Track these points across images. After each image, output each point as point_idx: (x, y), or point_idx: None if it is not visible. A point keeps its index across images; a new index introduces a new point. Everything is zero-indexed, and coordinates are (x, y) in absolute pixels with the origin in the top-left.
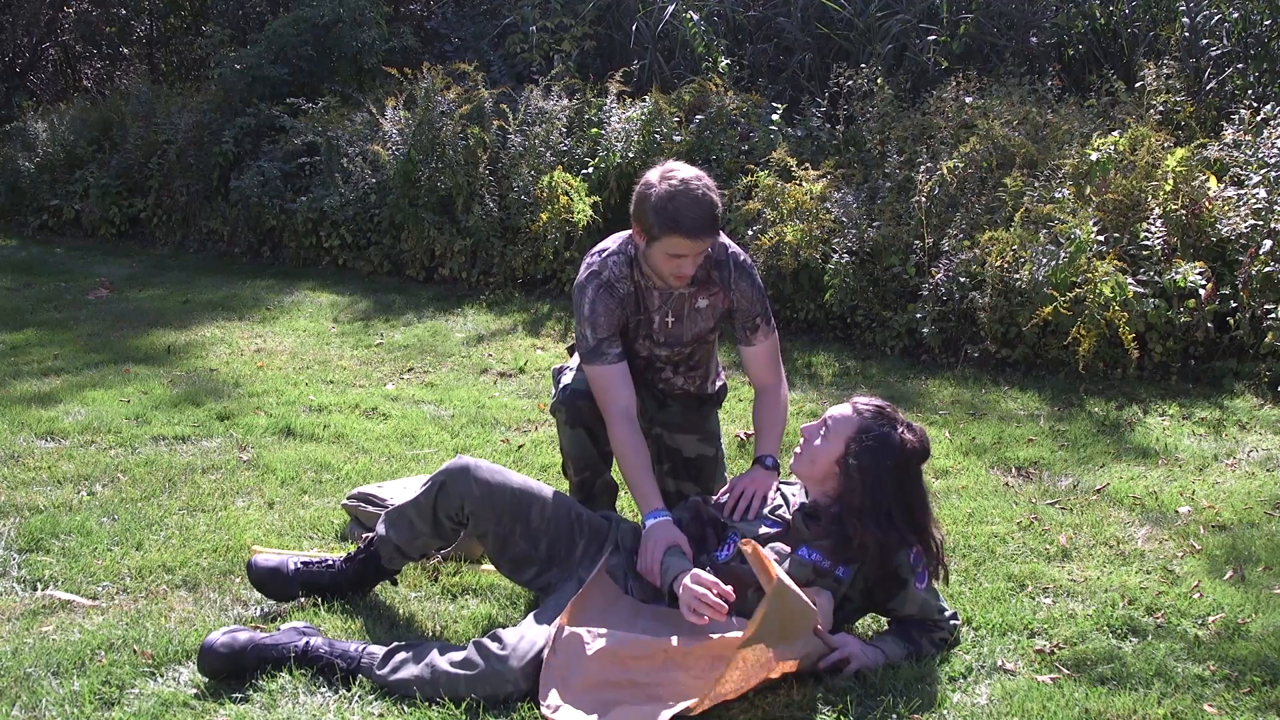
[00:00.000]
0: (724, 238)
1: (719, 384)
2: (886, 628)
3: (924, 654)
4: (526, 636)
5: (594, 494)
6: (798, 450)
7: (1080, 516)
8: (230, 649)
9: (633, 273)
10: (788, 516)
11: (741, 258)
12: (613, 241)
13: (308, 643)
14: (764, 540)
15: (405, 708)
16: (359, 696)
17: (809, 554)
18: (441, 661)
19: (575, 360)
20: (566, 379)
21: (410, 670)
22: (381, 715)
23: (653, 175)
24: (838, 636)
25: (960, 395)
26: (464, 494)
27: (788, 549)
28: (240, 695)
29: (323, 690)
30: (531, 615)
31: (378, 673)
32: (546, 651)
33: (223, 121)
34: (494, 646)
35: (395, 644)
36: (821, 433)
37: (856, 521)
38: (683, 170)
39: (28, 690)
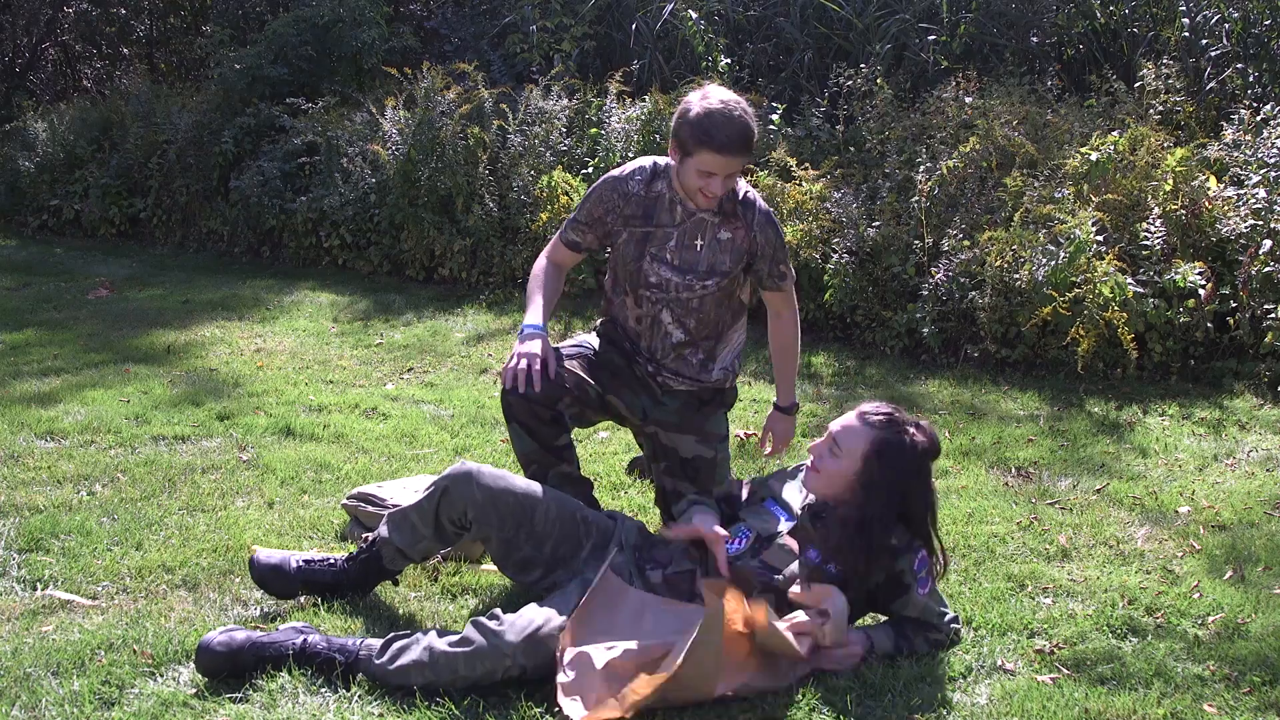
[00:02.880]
0: (753, 192)
1: (728, 382)
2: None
3: (916, 651)
4: (525, 614)
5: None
6: (809, 466)
7: (1080, 516)
8: (227, 648)
9: (652, 183)
10: (797, 510)
11: (767, 208)
12: (649, 158)
13: (305, 640)
14: (772, 537)
15: (405, 706)
16: (359, 696)
17: (816, 556)
18: (440, 643)
19: None
20: None
21: (409, 656)
22: (381, 715)
23: (693, 96)
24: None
25: (960, 395)
26: (467, 500)
27: (794, 546)
28: (240, 695)
29: (323, 690)
30: (532, 604)
31: (376, 663)
32: (558, 675)
33: (223, 121)
34: (491, 623)
35: (392, 634)
36: (832, 450)
37: (868, 524)
38: (722, 93)
39: (27, 690)
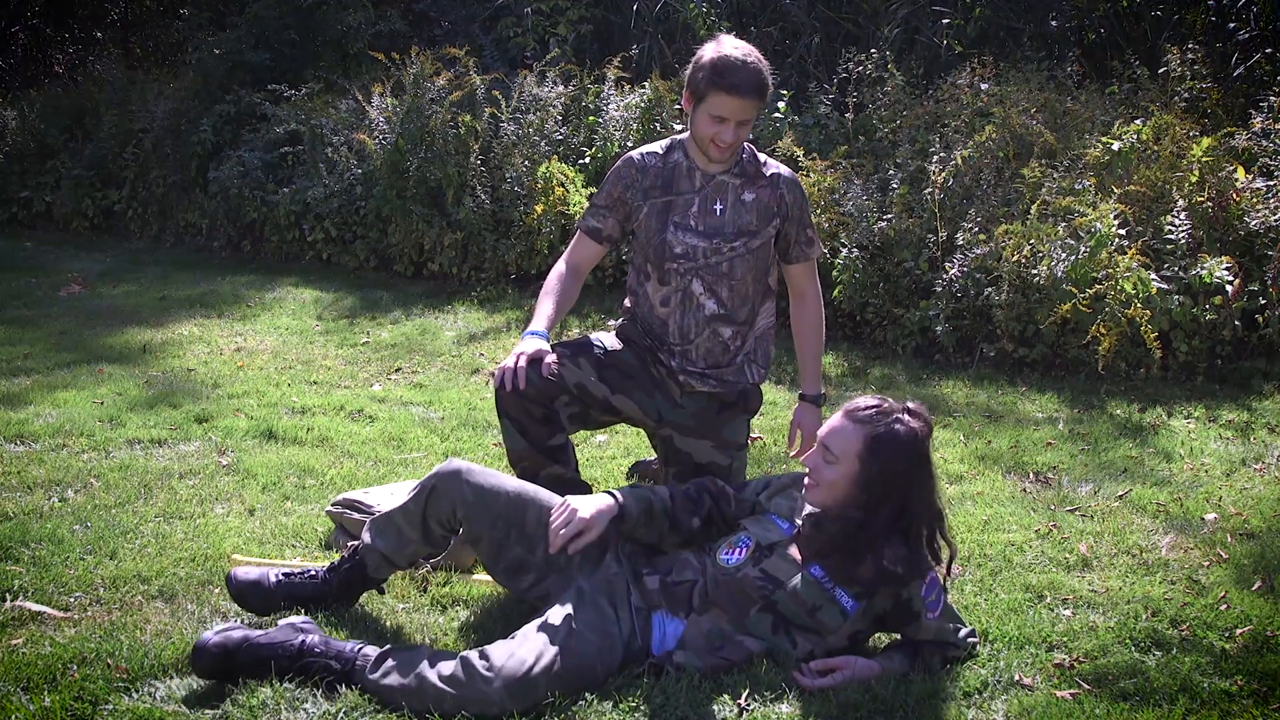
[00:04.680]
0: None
1: (754, 377)
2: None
3: (932, 669)
4: (516, 655)
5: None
6: (808, 483)
7: (1101, 524)
8: (223, 648)
9: (667, 155)
10: (797, 521)
11: (792, 172)
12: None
13: (304, 640)
14: (773, 546)
15: None
16: (344, 712)
17: (819, 572)
18: (430, 674)
19: None
20: None
21: (398, 678)
22: None
23: (708, 45)
24: (839, 659)
25: (975, 396)
26: (456, 498)
27: (798, 557)
28: (220, 712)
29: (306, 706)
30: (525, 628)
31: (369, 676)
32: None
33: (201, 109)
34: (480, 665)
35: (389, 647)
36: (826, 458)
37: (871, 524)
38: (736, 41)
39: None
